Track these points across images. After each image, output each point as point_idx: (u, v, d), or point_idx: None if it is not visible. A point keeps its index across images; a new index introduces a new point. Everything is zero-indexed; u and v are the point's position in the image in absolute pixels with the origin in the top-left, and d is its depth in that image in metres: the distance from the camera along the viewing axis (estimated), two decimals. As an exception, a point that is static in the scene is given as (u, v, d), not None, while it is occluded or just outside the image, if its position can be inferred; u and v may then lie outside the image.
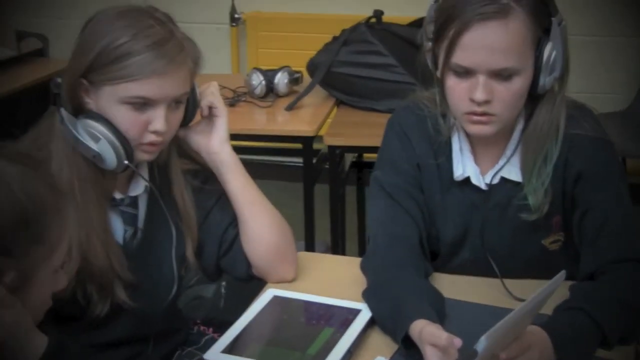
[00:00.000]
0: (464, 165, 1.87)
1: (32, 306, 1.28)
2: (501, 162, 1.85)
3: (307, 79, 3.38)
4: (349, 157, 3.67)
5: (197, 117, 1.87)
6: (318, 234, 3.32)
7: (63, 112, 1.71)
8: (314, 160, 3.20)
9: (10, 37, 3.87)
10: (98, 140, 1.69)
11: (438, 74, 1.80)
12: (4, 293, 1.20)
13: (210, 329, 2.19)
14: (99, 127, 1.69)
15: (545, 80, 1.76)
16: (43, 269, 1.26)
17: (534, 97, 1.80)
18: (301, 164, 3.21)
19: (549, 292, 1.45)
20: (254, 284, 2.08)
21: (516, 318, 1.38)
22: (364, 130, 3.10)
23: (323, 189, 3.30)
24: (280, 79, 3.30)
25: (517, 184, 1.85)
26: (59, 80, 1.75)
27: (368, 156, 3.73)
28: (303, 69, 3.41)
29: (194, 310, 2.47)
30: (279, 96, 3.31)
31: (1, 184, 1.20)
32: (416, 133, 1.91)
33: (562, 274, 1.46)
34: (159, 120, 1.70)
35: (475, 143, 1.88)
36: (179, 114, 1.76)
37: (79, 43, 1.72)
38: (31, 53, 3.95)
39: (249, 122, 3.13)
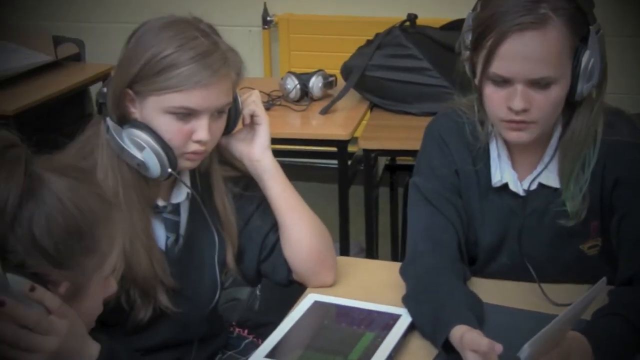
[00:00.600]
0: (502, 172, 1.89)
1: (86, 314, 1.31)
2: (539, 168, 1.87)
3: (341, 82, 3.40)
4: (382, 160, 3.69)
5: (239, 124, 1.90)
6: (351, 236, 3.35)
7: (109, 121, 1.74)
8: (349, 163, 3.22)
9: (48, 42, 3.92)
10: (143, 149, 1.72)
11: (476, 82, 1.82)
12: (60, 303, 1.23)
13: (246, 331, 2.22)
14: (143, 136, 1.72)
15: (582, 88, 1.77)
16: (95, 277, 1.29)
17: (571, 104, 1.81)
18: (335, 166, 3.24)
19: (590, 299, 1.47)
20: (288, 287, 2.11)
21: (558, 325, 1.40)
22: (398, 133, 3.12)
23: (356, 190, 3.32)
24: (315, 83, 3.32)
25: (554, 190, 1.86)
26: (105, 89, 1.78)
27: (401, 159, 3.76)
28: (336, 72, 3.43)
29: (229, 312, 2.49)
30: (313, 100, 3.33)
31: (53, 199, 1.22)
32: (454, 139, 1.93)
33: (603, 281, 1.48)
34: (202, 130, 1.73)
35: (513, 149, 1.89)
36: (221, 123, 1.79)
37: (125, 54, 1.75)
38: (68, 58, 3.99)
39: (283, 126, 3.16)
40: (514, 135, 1.80)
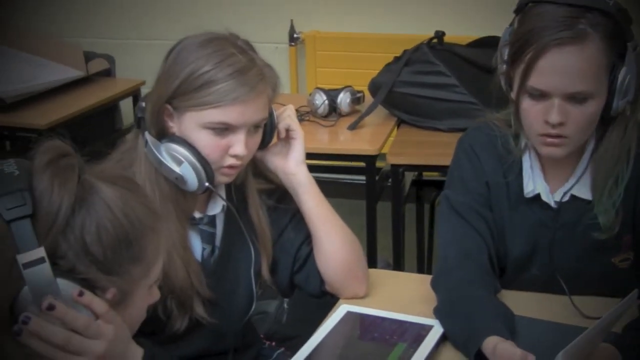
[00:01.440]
0: (535, 183, 1.91)
1: (130, 320, 1.34)
2: (572, 181, 1.89)
3: (368, 98, 3.43)
4: (409, 176, 3.72)
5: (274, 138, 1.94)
6: (378, 252, 3.37)
7: (148, 135, 1.78)
8: (377, 178, 3.25)
9: (79, 58, 3.97)
10: (181, 164, 1.76)
11: (513, 95, 1.84)
12: (107, 309, 1.27)
13: (274, 343, 2.25)
14: (181, 151, 1.76)
15: (618, 104, 1.79)
16: (141, 285, 1.33)
17: (605, 120, 1.83)
18: (362, 181, 3.26)
19: (622, 311, 1.48)
20: (316, 300, 2.13)
21: (590, 336, 1.42)
22: (425, 149, 3.15)
23: (383, 206, 3.35)
24: (343, 99, 3.36)
25: (587, 202, 1.88)
26: (143, 104, 1.81)
27: (428, 174, 3.78)
28: (362, 88, 3.47)
29: (258, 324, 2.52)
30: (341, 115, 3.36)
31: (104, 207, 1.26)
32: (486, 152, 1.95)
33: (634, 293, 1.49)
34: (239, 145, 1.76)
35: (545, 162, 1.91)
36: (257, 138, 1.83)
37: (164, 70, 1.78)
38: (98, 73, 4.04)
39: (312, 141, 3.18)
40: (548, 150, 1.83)
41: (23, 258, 1.19)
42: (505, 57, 1.84)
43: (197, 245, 1.87)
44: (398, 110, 3.36)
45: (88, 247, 1.24)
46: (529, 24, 1.78)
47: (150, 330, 1.82)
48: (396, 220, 3.25)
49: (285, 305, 3.05)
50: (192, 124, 1.76)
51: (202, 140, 1.76)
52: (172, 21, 4.49)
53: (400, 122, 3.39)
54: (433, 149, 3.12)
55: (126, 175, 1.43)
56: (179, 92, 1.74)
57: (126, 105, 4.13)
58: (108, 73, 4.11)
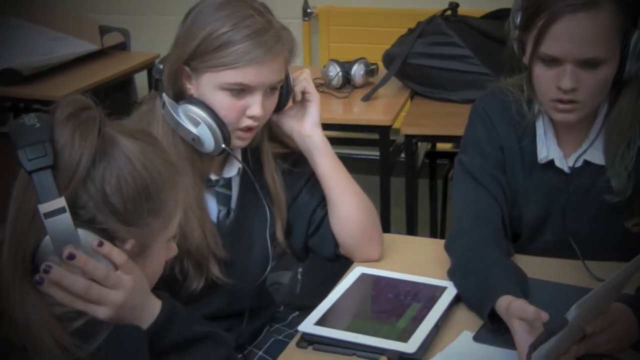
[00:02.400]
0: (548, 148, 1.92)
1: (149, 272, 1.37)
2: (584, 146, 1.90)
3: (382, 70, 3.44)
4: (422, 150, 3.72)
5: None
6: (391, 224, 3.38)
7: (165, 97, 1.80)
8: (390, 150, 3.26)
9: (94, 31, 3.99)
10: (198, 125, 1.77)
11: (525, 61, 1.85)
12: (126, 259, 1.29)
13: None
14: (199, 112, 1.77)
15: (630, 68, 1.80)
16: (160, 238, 1.35)
17: (618, 84, 1.84)
18: (375, 157, 3.26)
19: (634, 269, 1.49)
20: (329, 271, 2.15)
21: (604, 291, 1.43)
22: (439, 120, 3.16)
23: (396, 181, 3.36)
24: (357, 71, 3.37)
25: (600, 167, 1.89)
26: (160, 66, 1.83)
27: (441, 147, 3.79)
28: (376, 62, 3.47)
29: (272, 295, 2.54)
30: (355, 87, 3.37)
31: (124, 160, 1.28)
32: (500, 117, 1.96)
33: (647, 251, 1.51)
34: (255, 106, 1.78)
35: (558, 128, 1.92)
36: (273, 100, 1.84)
37: (182, 32, 1.80)
38: (114, 47, 4.06)
39: (326, 112, 3.12)
40: (561, 116, 1.84)
41: (44, 208, 1.22)
42: (518, 23, 1.84)
43: (212, 207, 1.89)
44: (411, 82, 3.37)
45: (108, 198, 1.26)
46: None
47: (168, 291, 1.85)
48: (410, 191, 3.27)
49: (299, 276, 3.07)
50: (210, 85, 1.77)
51: (220, 102, 1.77)
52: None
53: (413, 94, 3.40)
54: (447, 119, 3.13)
55: (146, 130, 1.45)
56: (196, 54, 1.76)
57: (141, 79, 4.14)
58: (123, 47, 4.12)
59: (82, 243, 1.25)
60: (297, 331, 1.72)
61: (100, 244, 1.26)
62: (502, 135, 1.96)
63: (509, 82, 1.98)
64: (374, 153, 3.32)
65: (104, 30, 4.05)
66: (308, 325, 1.70)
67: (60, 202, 1.22)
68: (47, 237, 1.23)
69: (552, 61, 1.79)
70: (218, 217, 1.90)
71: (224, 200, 1.91)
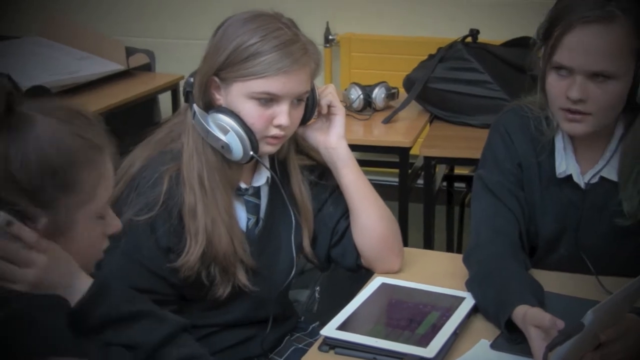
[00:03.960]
0: (567, 163, 1.97)
1: (79, 250, 1.39)
2: (601, 164, 1.95)
3: (402, 95, 3.51)
4: (440, 175, 3.77)
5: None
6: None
7: (195, 107, 1.87)
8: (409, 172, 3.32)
9: (121, 52, 4.08)
10: (227, 132, 1.84)
11: (541, 70, 1.92)
12: (37, 238, 1.33)
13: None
14: (228, 120, 1.84)
15: None
16: (82, 216, 1.37)
17: (634, 106, 1.89)
18: (394, 182, 3.31)
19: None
20: (347, 290, 2.20)
21: (620, 298, 1.48)
22: (458, 143, 3.23)
23: (413, 207, 3.39)
24: (378, 94, 3.43)
25: (615, 184, 1.94)
26: (191, 79, 1.90)
27: (459, 171, 3.85)
28: (396, 87, 3.54)
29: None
30: (376, 110, 3.44)
31: (31, 137, 1.31)
32: (519, 133, 2.02)
33: (661, 263, 1.56)
34: (283, 115, 1.85)
35: (577, 143, 1.98)
36: (300, 111, 1.91)
37: (212, 44, 1.88)
38: (139, 68, 4.15)
39: (347, 133, 3.22)
40: (569, 126, 1.90)
41: None
42: (541, 35, 1.91)
43: (242, 216, 1.95)
44: (431, 106, 3.43)
45: (15, 176, 1.29)
46: (564, 1, 1.86)
47: (194, 296, 1.91)
48: (427, 214, 3.32)
49: (317, 295, 3.11)
50: (239, 95, 1.84)
51: (248, 111, 1.84)
52: (210, 22, 4.59)
53: (433, 118, 3.47)
54: (465, 142, 3.19)
55: (71, 107, 1.42)
56: (226, 64, 1.83)
57: (165, 100, 4.23)
58: (148, 68, 4.20)
59: None
60: (317, 340, 1.77)
61: (10, 224, 1.30)
62: (520, 152, 2.02)
63: (529, 99, 2.04)
64: (392, 179, 3.37)
65: (129, 52, 4.14)
66: (330, 329, 1.76)
67: None
68: None
69: (564, 70, 1.85)
70: (247, 225, 1.96)
71: (253, 208, 1.97)
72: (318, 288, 3.11)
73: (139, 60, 4.16)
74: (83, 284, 1.40)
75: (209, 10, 4.73)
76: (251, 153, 1.85)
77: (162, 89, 4.08)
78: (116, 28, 4.76)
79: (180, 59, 4.56)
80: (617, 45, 1.81)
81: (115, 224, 1.45)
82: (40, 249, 1.34)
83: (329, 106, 2.00)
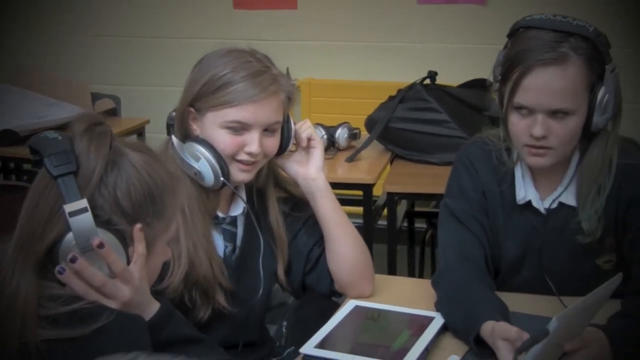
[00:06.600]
0: (526, 190, 2.09)
1: (150, 272, 1.52)
2: (560, 189, 2.07)
3: (364, 135, 3.63)
4: (401, 213, 3.88)
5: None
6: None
7: (173, 138, 1.97)
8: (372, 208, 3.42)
9: (87, 97, 4.16)
10: (199, 160, 1.94)
11: (503, 110, 2.04)
12: (123, 268, 1.45)
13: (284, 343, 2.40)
14: (200, 149, 1.95)
15: (598, 120, 1.97)
16: (160, 241, 1.51)
17: (588, 134, 2.01)
18: (358, 223, 3.40)
19: (609, 290, 1.65)
20: (313, 325, 2.28)
21: (582, 306, 1.58)
22: (419, 179, 3.35)
23: (377, 248, 3.47)
24: (341, 134, 3.55)
25: (573, 209, 2.06)
26: (173, 114, 2.01)
27: (419, 209, 3.97)
28: (358, 127, 3.67)
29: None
30: (339, 149, 3.55)
31: (132, 168, 1.45)
32: (482, 164, 2.13)
33: (619, 275, 1.67)
34: (253, 144, 1.95)
35: (535, 172, 2.10)
36: (273, 140, 2.01)
37: (189, 78, 1.99)
38: (105, 112, 4.22)
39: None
40: (534, 160, 2.01)
41: (69, 208, 1.39)
42: (497, 76, 2.03)
43: (219, 243, 2.05)
44: (392, 145, 3.56)
45: (119, 201, 1.43)
46: (518, 46, 1.97)
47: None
48: (391, 250, 3.41)
49: (284, 330, 3.18)
50: (212, 124, 1.95)
51: (220, 138, 1.95)
52: (174, 70, 4.67)
53: (394, 156, 3.59)
54: (426, 179, 3.31)
55: (147, 145, 1.60)
56: (200, 95, 1.95)
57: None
58: (114, 112, 4.28)
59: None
60: (292, 364, 1.86)
61: (123, 241, 1.43)
62: (484, 180, 2.13)
63: (490, 132, 2.16)
64: (355, 220, 3.46)
65: (96, 97, 4.22)
66: (309, 347, 1.85)
67: (83, 203, 1.39)
68: (70, 234, 1.40)
69: (525, 110, 1.96)
70: (224, 252, 2.05)
71: (230, 237, 2.06)
72: (285, 323, 3.19)
73: (105, 105, 4.24)
74: (153, 305, 1.53)
75: (174, 58, 4.86)
76: (221, 179, 1.94)
77: (128, 133, 4.16)
78: (84, 75, 4.84)
79: (145, 102, 4.69)
80: (573, 83, 1.93)
81: (168, 253, 1.58)
82: (137, 268, 1.47)
83: (309, 139, 2.11)
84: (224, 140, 1.95)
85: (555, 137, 1.96)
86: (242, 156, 1.96)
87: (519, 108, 1.97)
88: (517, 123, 1.99)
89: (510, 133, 2.03)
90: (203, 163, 1.94)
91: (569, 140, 1.99)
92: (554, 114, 1.95)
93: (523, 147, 2.01)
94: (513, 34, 2.02)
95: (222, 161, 1.95)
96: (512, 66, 1.97)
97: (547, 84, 1.93)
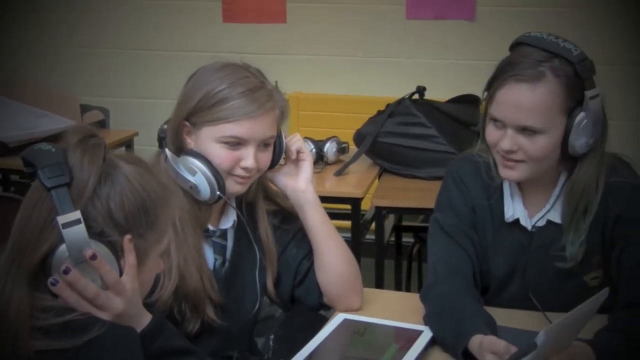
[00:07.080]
0: (514, 208, 2.11)
1: (143, 283, 1.53)
2: (547, 207, 2.08)
3: (352, 149, 3.65)
4: (389, 228, 3.89)
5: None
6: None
7: (167, 151, 1.98)
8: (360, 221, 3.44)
9: (76, 109, 4.17)
10: (195, 174, 1.95)
11: (481, 120, 2.06)
12: (116, 279, 1.45)
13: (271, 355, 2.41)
14: (196, 162, 1.95)
15: (575, 144, 1.97)
16: (153, 252, 1.52)
17: (570, 156, 2.01)
18: (347, 237, 3.41)
19: (596, 304, 1.67)
20: (300, 339, 2.29)
21: (569, 321, 1.60)
22: (406, 194, 3.37)
23: (364, 262, 3.48)
24: (329, 148, 3.56)
25: (561, 227, 2.07)
26: (165, 126, 2.02)
27: (407, 224, 3.98)
28: (346, 141, 3.68)
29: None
30: (327, 163, 3.56)
31: (125, 180, 1.46)
32: (472, 178, 2.15)
33: (605, 290, 1.69)
34: (249, 159, 1.96)
35: (524, 189, 2.11)
36: (267, 155, 2.02)
37: (184, 92, 2.00)
38: (93, 124, 4.23)
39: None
40: (505, 172, 2.04)
41: (62, 219, 1.39)
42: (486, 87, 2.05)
43: (209, 256, 2.05)
44: (381, 160, 3.57)
45: (112, 213, 1.43)
46: (507, 59, 2.00)
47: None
48: (378, 263, 3.42)
49: (271, 343, 3.19)
50: (208, 139, 1.96)
51: (216, 153, 1.96)
52: (163, 82, 4.70)
53: (382, 171, 3.60)
54: (414, 193, 3.34)
55: (140, 158, 1.60)
56: (196, 109, 1.95)
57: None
58: (103, 124, 4.30)
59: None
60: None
61: (115, 252, 1.43)
62: (473, 195, 2.14)
63: (479, 147, 2.17)
64: (344, 234, 3.47)
65: (85, 109, 4.23)
66: (297, 361, 1.86)
67: (76, 214, 1.40)
68: (63, 245, 1.40)
69: (499, 123, 1.99)
70: (214, 265, 2.06)
71: (220, 250, 2.07)
72: (272, 336, 3.19)
73: (94, 117, 4.25)
74: (146, 316, 1.53)
75: (164, 70, 4.87)
76: (218, 193, 1.95)
77: (117, 145, 4.16)
78: (73, 87, 4.85)
79: (134, 114, 4.69)
80: (544, 102, 1.93)
81: (161, 265, 1.58)
82: (129, 280, 1.47)
83: (298, 152, 2.12)
84: (220, 154, 1.96)
85: (523, 152, 1.98)
86: (238, 171, 1.97)
87: (494, 120, 2.00)
88: (491, 133, 2.02)
89: (487, 143, 2.06)
90: (199, 177, 1.95)
91: (539, 158, 1.99)
92: (523, 130, 1.96)
93: (496, 156, 2.04)
94: (511, 48, 2.04)
95: (219, 175, 1.96)
96: (494, 78, 2.00)
97: (516, 100, 1.95)
